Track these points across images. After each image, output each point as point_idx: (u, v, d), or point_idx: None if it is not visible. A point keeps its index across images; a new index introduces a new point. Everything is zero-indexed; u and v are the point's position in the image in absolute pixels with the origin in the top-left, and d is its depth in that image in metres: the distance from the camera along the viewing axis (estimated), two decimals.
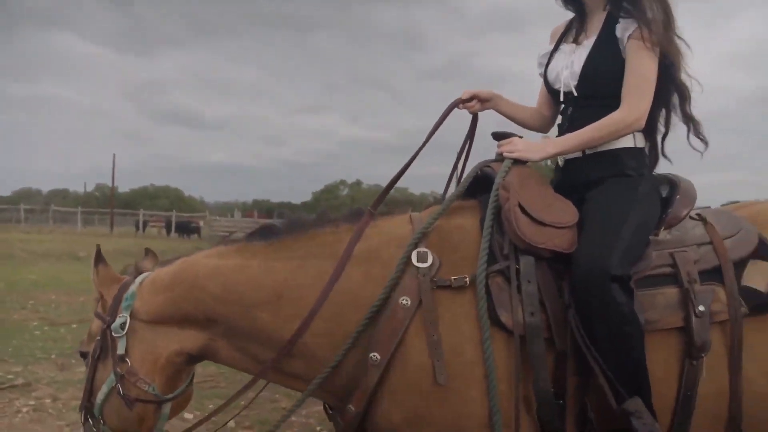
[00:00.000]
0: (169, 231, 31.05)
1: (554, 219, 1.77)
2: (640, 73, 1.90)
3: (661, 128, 2.07)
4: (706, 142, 2.04)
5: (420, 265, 1.74)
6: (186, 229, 29.73)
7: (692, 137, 2.04)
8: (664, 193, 1.99)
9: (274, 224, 2.02)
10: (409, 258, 1.76)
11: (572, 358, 1.70)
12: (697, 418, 1.74)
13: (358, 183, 67.91)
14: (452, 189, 2.03)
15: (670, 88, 1.99)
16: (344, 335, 1.76)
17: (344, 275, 1.80)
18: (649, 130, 2.03)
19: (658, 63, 1.91)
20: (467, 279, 1.72)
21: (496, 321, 1.69)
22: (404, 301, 1.72)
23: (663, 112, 2.04)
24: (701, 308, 1.74)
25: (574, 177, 2.03)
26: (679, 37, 1.96)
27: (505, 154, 1.94)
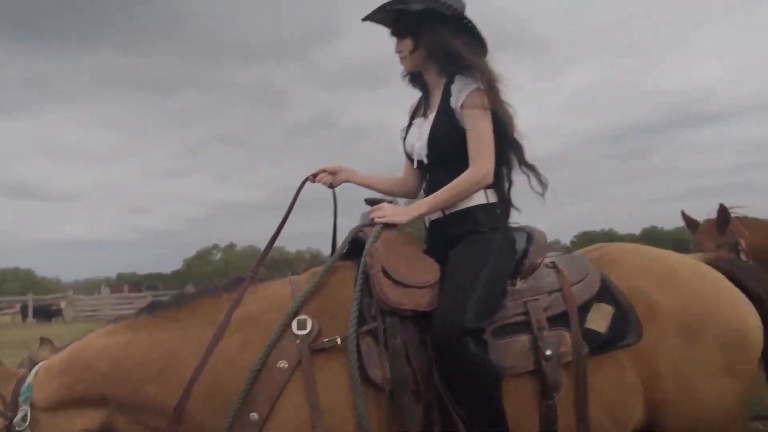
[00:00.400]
0: (25, 317, 28.15)
1: (416, 280, 1.91)
2: (479, 135, 2.05)
3: (506, 182, 2.21)
4: (546, 185, 2.19)
5: (299, 332, 1.87)
6: (46, 312, 27.02)
7: (533, 184, 2.18)
8: (521, 243, 2.13)
9: (161, 299, 2.14)
10: (288, 325, 1.88)
11: (437, 407, 1.83)
12: None
13: (232, 246, 65.88)
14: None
15: (506, 146, 2.13)
16: (224, 399, 1.84)
17: (223, 342, 1.90)
18: (498, 185, 2.18)
19: (492, 124, 2.06)
20: (338, 340, 1.84)
21: (366, 378, 1.81)
22: (282, 365, 1.83)
23: (505, 167, 2.18)
24: (548, 352, 1.88)
25: (438, 236, 2.17)
26: (507, 104, 2.11)
27: (375, 219, 2.08)
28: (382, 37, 2.25)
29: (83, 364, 1.95)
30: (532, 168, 2.16)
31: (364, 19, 2.17)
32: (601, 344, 1.94)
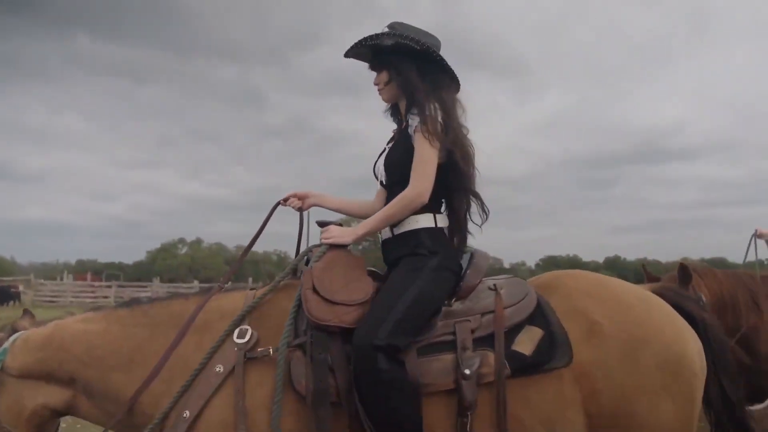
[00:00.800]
0: None
1: (345, 298, 2.02)
2: (420, 158, 2.15)
3: (462, 208, 2.28)
4: (487, 214, 2.30)
5: (238, 341, 2.01)
6: (3, 294, 26.10)
7: (484, 212, 2.30)
8: (463, 266, 2.21)
9: (141, 297, 2.33)
10: (231, 333, 2.03)
11: (356, 418, 1.91)
12: None
13: (199, 241, 65.09)
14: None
15: (457, 173, 2.21)
16: (172, 395, 1.98)
17: (183, 343, 2.05)
18: (451, 210, 2.28)
19: (439, 150, 2.14)
20: (270, 350, 1.98)
21: (292, 387, 1.93)
22: (218, 369, 1.98)
23: (458, 194, 2.27)
24: (467, 372, 1.93)
25: (386, 255, 2.28)
26: (462, 133, 2.24)
27: (322, 240, 2.23)
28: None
29: (59, 344, 2.10)
30: (477, 196, 2.28)
31: (346, 55, 2.32)
32: (524, 366, 1.99)
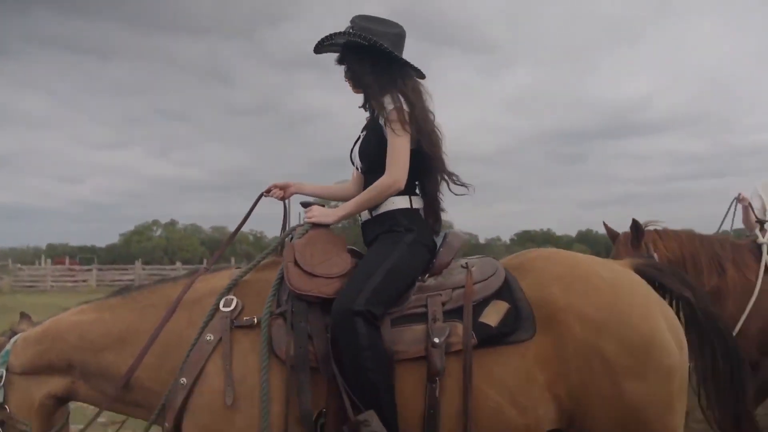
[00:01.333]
0: None
1: (324, 271, 2.17)
2: (392, 148, 2.29)
3: (433, 190, 2.42)
4: (466, 186, 2.44)
5: (224, 309, 2.16)
6: None
7: (454, 187, 2.43)
8: (437, 245, 2.35)
9: (132, 285, 2.50)
10: (218, 304, 2.18)
11: (333, 382, 2.03)
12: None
13: (173, 223, 64.33)
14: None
15: (426, 157, 2.35)
16: (170, 368, 2.12)
17: (173, 319, 2.19)
18: (425, 192, 2.43)
19: (410, 138, 2.28)
20: (255, 319, 2.13)
21: (273, 353, 2.07)
22: (209, 337, 2.12)
23: (430, 177, 2.40)
24: (436, 340, 2.06)
25: (366, 235, 2.42)
26: (428, 117, 2.36)
27: (305, 219, 2.40)
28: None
29: (54, 336, 2.26)
30: (450, 175, 2.41)
31: (316, 53, 2.46)
32: (490, 336, 2.10)
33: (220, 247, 2.66)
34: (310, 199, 2.60)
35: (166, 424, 2.10)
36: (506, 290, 2.19)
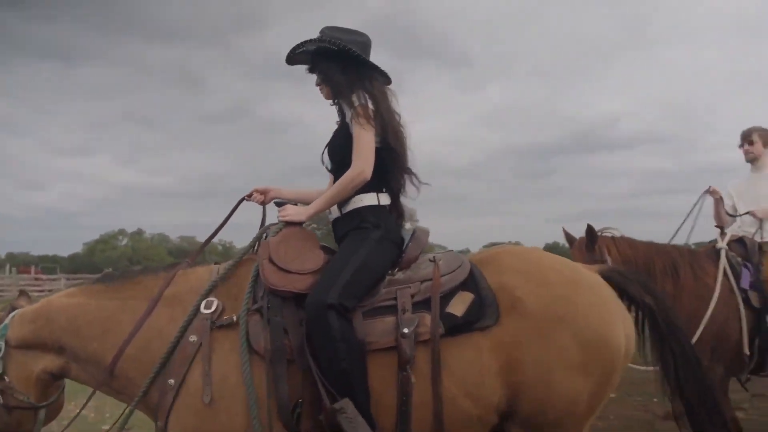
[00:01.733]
0: None
1: (298, 267, 2.25)
2: (357, 143, 2.37)
3: (397, 187, 2.51)
4: (418, 186, 2.51)
5: (205, 311, 2.22)
6: None
7: (415, 185, 2.51)
8: (405, 240, 2.43)
9: (114, 271, 2.59)
10: (199, 306, 2.23)
11: (309, 373, 2.10)
12: (415, 422, 2.12)
13: (140, 232, 63.22)
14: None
15: (391, 155, 2.43)
16: (150, 362, 2.19)
17: (154, 314, 2.26)
18: (390, 189, 2.50)
19: (375, 134, 2.36)
20: (234, 317, 2.19)
21: (252, 349, 2.13)
22: (192, 338, 2.18)
23: (394, 174, 2.47)
24: (405, 330, 2.14)
25: (336, 232, 2.49)
26: (393, 117, 2.44)
27: (279, 217, 2.47)
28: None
29: (47, 317, 2.36)
30: (410, 173, 2.50)
31: (288, 62, 2.53)
32: (456, 325, 2.17)
33: (199, 248, 2.66)
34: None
35: (159, 423, 2.18)
36: (471, 281, 2.26)
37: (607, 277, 2.42)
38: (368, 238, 2.34)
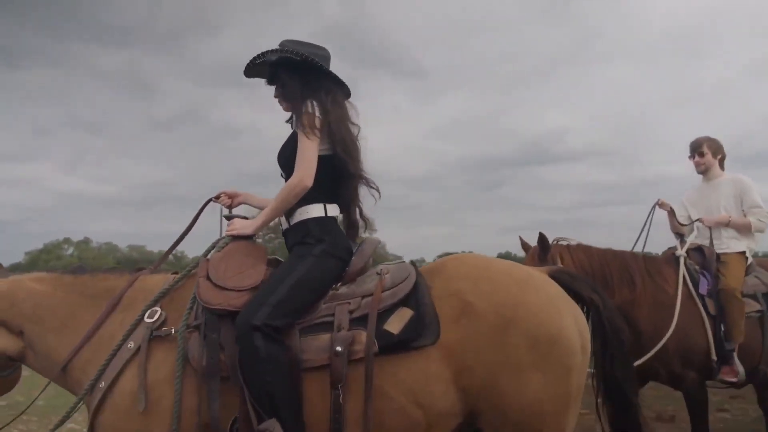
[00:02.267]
0: None
1: (235, 284, 2.25)
2: (300, 149, 2.37)
3: (349, 196, 2.50)
4: (378, 192, 2.53)
5: (148, 320, 2.26)
6: None
7: (370, 191, 2.53)
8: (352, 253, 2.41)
9: (84, 265, 2.66)
10: (143, 314, 2.27)
11: (242, 391, 2.10)
12: None
13: (87, 241, 60.96)
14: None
15: (340, 163, 2.43)
16: (97, 364, 2.22)
17: (110, 318, 2.32)
18: (340, 199, 2.49)
19: (318, 143, 2.36)
20: (173, 330, 2.22)
21: (188, 363, 2.16)
22: (130, 345, 2.22)
23: (346, 183, 2.47)
24: (338, 349, 2.12)
25: (287, 243, 2.47)
26: (343, 125, 2.43)
27: (225, 233, 2.50)
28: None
29: (12, 299, 2.40)
30: (365, 180, 2.51)
31: (246, 75, 2.51)
32: (392, 344, 2.15)
33: (165, 253, 2.69)
34: (241, 210, 2.71)
35: (90, 423, 2.22)
36: (413, 297, 2.24)
37: (555, 277, 2.45)
38: (308, 255, 2.32)
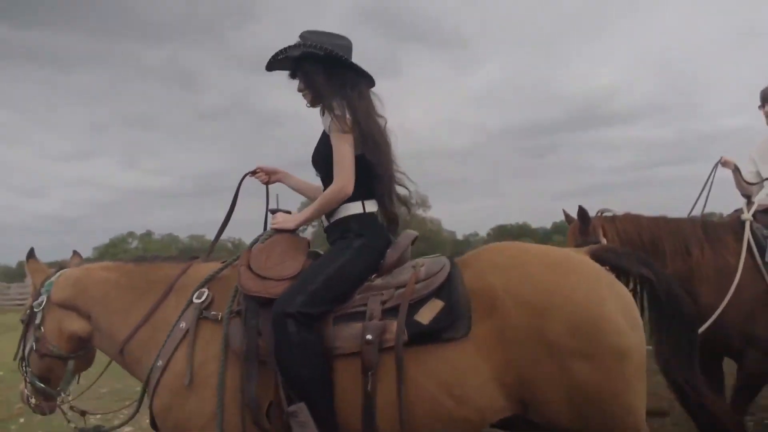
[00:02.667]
0: None
1: (275, 274, 2.34)
2: (337, 157, 2.41)
3: (385, 193, 2.53)
4: (410, 191, 2.59)
5: (197, 301, 2.40)
6: None
7: (406, 186, 2.58)
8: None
9: (146, 255, 2.91)
10: (192, 296, 2.42)
11: (276, 375, 2.20)
12: (380, 421, 2.15)
13: (149, 234, 63.37)
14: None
15: (372, 162, 2.45)
16: (154, 346, 2.39)
17: (165, 302, 2.49)
18: (376, 196, 2.52)
19: (352, 144, 2.39)
20: (219, 315, 2.34)
21: (230, 346, 2.28)
22: (182, 325, 2.37)
23: (380, 181, 2.49)
24: (369, 337, 2.17)
25: (328, 239, 2.55)
26: (372, 122, 2.45)
27: (270, 226, 2.60)
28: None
29: (84, 286, 2.64)
30: (394, 178, 2.54)
31: (268, 69, 2.55)
32: (421, 333, 2.17)
33: (212, 242, 2.79)
34: (291, 200, 2.76)
35: (150, 399, 2.37)
36: (446, 288, 2.25)
37: (598, 256, 2.38)
38: (348, 247, 2.40)
